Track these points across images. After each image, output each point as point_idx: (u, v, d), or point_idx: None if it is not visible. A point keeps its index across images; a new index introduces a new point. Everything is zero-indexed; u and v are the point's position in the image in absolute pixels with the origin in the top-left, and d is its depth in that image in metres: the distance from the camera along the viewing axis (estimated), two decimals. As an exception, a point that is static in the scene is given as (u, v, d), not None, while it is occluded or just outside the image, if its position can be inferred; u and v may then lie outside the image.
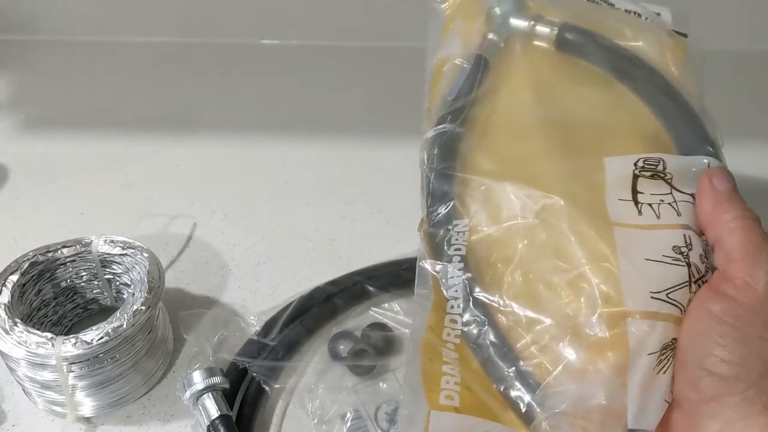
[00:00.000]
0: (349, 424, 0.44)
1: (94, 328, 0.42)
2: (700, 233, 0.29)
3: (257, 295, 0.54)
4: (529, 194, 0.30)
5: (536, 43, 0.37)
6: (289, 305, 0.50)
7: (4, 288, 0.44)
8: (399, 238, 0.58)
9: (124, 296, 0.50)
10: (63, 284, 0.48)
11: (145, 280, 0.45)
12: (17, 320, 0.42)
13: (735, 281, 0.27)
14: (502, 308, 0.29)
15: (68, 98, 0.75)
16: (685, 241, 0.28)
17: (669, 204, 0.29)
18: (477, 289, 0.30)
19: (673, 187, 0.30)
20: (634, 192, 0.30)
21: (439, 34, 0.39)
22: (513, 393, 0.27)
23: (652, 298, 0.26)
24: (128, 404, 0.46)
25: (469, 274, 0.30)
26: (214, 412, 0.42)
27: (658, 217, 0.29)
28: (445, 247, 0.31)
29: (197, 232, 0.59)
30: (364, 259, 0.55)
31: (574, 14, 0.37)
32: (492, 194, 0.31)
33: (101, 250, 0.47)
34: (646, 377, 0.26)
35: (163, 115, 0.73)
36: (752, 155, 0.69)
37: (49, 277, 0.48)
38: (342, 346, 0.49)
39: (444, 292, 0.30)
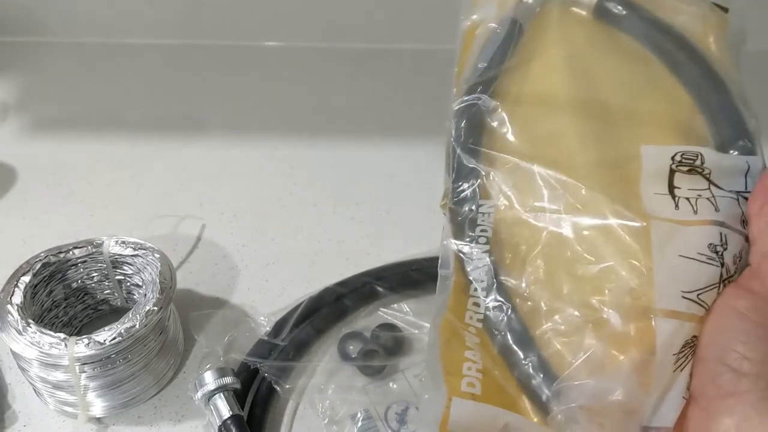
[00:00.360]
0: (359, 424, 0.45)
1: (106, 328, 0.42)
2: (740, 231, 0.27)
3: (267, 296, 0.54)
4: (559, 180, 0.29)
5: (574, 9, 0.35)
6: (298, 306, 0.50)
7: (16, 289, 0.44)
8: (407, 239, 0.58)
9: (135, 297, 0.50)
10: (74, 285, 0.49)
11: (157, 281, 0.45)
12: (30, 321, 0.42)
13: (765, 279, 0.26)
14: (525, 294, 0.28)
15: (76, 100, 0.76)
16: (721, 240, 0.27)
17: (707, 199, 0.28)
18: (502, 274, 0.29)
19: (711, 182, 0.28)
20: (671, 187, 0.28)
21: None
22: (531, 382, 0.27)
23: (683, 297, 0.26)
24: (139, 404, 0.46)
25: (494, 258, 0.29)
26: (225, 412, 0.43)
27: (696, 212, 0.27)
28: (468, 227, 0.30)
29: (206, 233, 0.59)
30: (373, 260, 0.56)
31: None
32: (520, 176, 0.30)
33: (112, 251, 0.48)
34: (667, 376, 0.25)
35: (170, 116, 0.73)
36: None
37: (61, 278, 0.48)
38: (351, 347, 0.49)
39: (468, 273, 0.29)
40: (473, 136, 0.32)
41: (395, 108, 0.75)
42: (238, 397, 0.44)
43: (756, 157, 0.29)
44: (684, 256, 0.26)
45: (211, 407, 0.43)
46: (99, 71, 0.80)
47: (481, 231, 0.30)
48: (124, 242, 0.48)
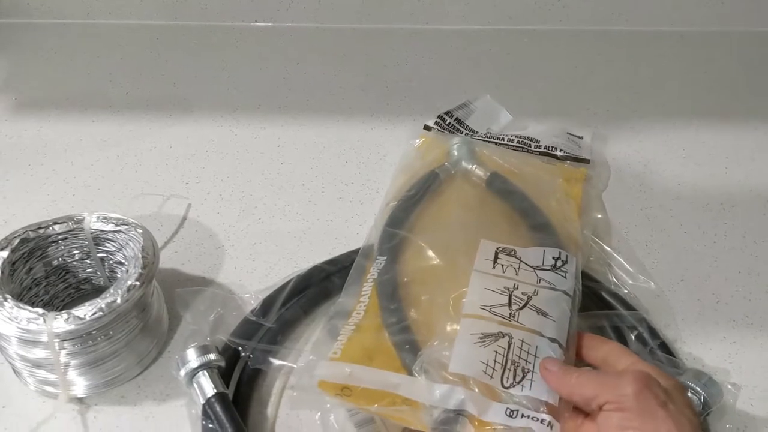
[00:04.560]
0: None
1: (87, 303, 0.41)
2: (530, 284, 0.46)
3: (254, 276, 0.53)
4: (435, 254, 0.49)
5: (473, 178, 0.58)
6: (286, 284, 0.49)
7: (-7, 264, 0.43)
8: (397, 218, 0.57)
9: (118, 276, 0.49)
10: (55, 263, 0.47)
11: (140, 256, 0.44)
12: (7, 296, 0.41)
13: (611, 402, 0.37)
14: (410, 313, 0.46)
15: (59, 80, 0.74)
16: (514, 286, 0.46)
17: (514, 267, 0.48)
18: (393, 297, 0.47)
19: (520, 260, 0.48)
20: (495, 257, 0.48)
21: (411, 156, 0.61)
22: (405, 347, 0.44)
23: (481, 308, 0.44)
24: (122, 384, 0.45)
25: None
26: (209, 390, 0.41)
27: (504, 272, 0.47)
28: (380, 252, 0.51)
29: (192, 213, 0.58)
30: (361, 240, 0.54)
31: (502, 165, 0.58)
32: (419, 250, 0.50)
33: (94, 227, 0.46)
34: (466, 344, 0.42)
35: (156, 96, 0.72)
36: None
37: (41, 255, 0.46)
38: (340, 324, 0.48)
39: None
40: (395, 226, 0.52)
41: (383, 88, 0.74)
42: (223, 375, 0.43)
43: (552, 249, 0.49)
44: (488, 289, 0.46)
45: (195, 385, 0.42)
46: (82, 52, 0.79)
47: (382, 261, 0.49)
48: (105, 218, 0.46)
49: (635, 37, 0.83)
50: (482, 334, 0.42)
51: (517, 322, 0.43)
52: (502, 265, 0.48)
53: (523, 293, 0.45)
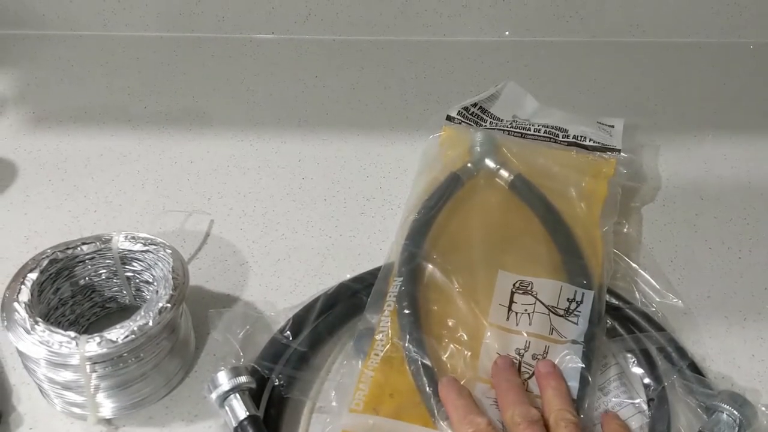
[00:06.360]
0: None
1: (118, 326, 0.40)
2: (544, 337, 0.46)
3: (279, 292, 0.53)
4: (455, 280, 0.49)
5: (497, 179, 0.57)
6: (313, 302, 0.49)
7: (23, 286, 0.43)
8: (421, 234, 0.57)
9: (144, 294, 0.49)
10: (81, 282, 0.47)
11: (170, 277, 0.43)
12: (38, 319, 0.41)
13: None
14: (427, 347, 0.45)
15: (78, 94, 0.74)
16: (525, 346, 0.46)
17: (528, 314, 0.47)
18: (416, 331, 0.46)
19: (536, 298, 0.48)
20: (511, 301, 0.48)
21: (432, 153, 0.60)
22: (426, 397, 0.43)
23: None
24: (150, 405, 0.45)
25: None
26: (241, 413, 0.41)
27: (517, 324, 0.47)
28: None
29: (214, 229, 0.58)
30: (385, 256, 0.54)
31: (527, 164, 0.57)
32: (438, 276, 0.49)
33: (122, 247, 0.46)
34: (483, 405, 0.43)
35: (175, 110, 0.71)
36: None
37: (68, 275, 0.46)
38: (368, 343, 0.48)
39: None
40: (415, 245, 0.51)
41: (404, 101, 0.74)
42: (253, 395, 0.43)
43: (569, 287, 0.49)
44: (499, 355, 0.45)
45: (227, 408, 0.41)
46: (99, 64, 0.79)
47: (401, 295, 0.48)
48: (134, 237, 0.46)
49: (652, 48, 0.82)
50: (494, 399, 0.43)
51: (527, 390, 0.44)
52: (516, 314, 0.47)
53: (533, 356, 0.45)
